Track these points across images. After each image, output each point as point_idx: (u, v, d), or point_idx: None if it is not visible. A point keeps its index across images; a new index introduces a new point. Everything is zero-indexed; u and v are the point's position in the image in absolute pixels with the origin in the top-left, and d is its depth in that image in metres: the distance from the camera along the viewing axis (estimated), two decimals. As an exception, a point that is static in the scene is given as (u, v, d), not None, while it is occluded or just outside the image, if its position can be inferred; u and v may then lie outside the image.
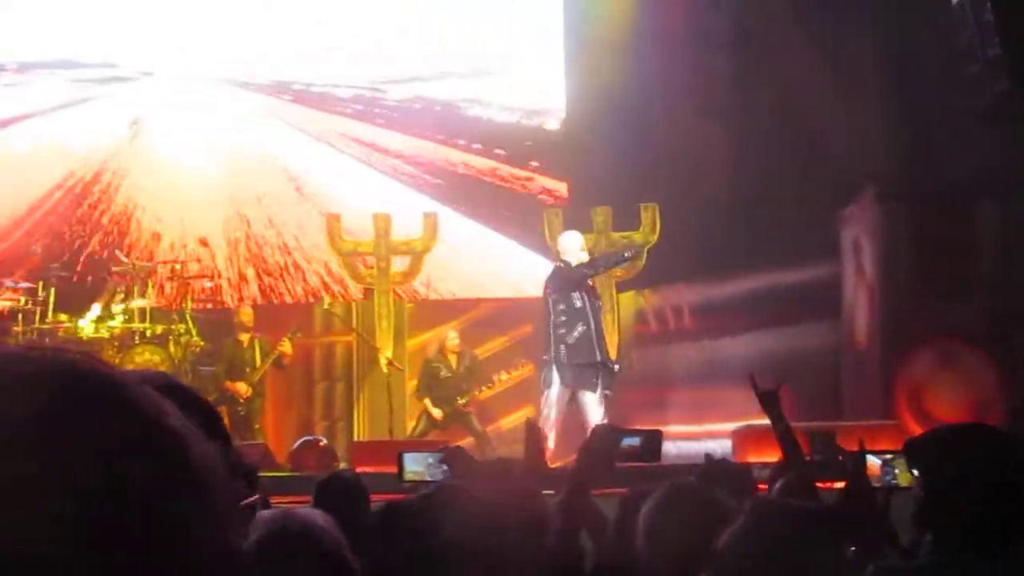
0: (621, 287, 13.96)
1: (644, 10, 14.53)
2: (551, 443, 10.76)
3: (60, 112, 15.87)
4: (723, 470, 5.43)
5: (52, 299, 13.46)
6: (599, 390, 11.17)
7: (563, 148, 15.33)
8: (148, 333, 13.35)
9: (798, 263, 13.08)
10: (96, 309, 13.36)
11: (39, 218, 15.48)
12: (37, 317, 13.34)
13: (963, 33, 11.00)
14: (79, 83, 15.93)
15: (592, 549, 4.17)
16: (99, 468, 0.87)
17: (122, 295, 13.46)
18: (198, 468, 0.92)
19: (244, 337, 13.13)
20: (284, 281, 15.40)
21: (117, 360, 12.26)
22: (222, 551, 0.93)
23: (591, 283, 11.77)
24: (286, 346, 13.04)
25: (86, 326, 13.21)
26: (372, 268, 14.05)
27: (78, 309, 13.58)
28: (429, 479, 5.50)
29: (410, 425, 13.30)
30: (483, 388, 13.18)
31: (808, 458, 5.64)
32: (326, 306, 14.56)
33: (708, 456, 6.03)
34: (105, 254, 15.20)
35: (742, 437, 10.62)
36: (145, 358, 12.88)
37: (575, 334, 11.19)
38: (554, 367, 11.24)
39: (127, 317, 13.33)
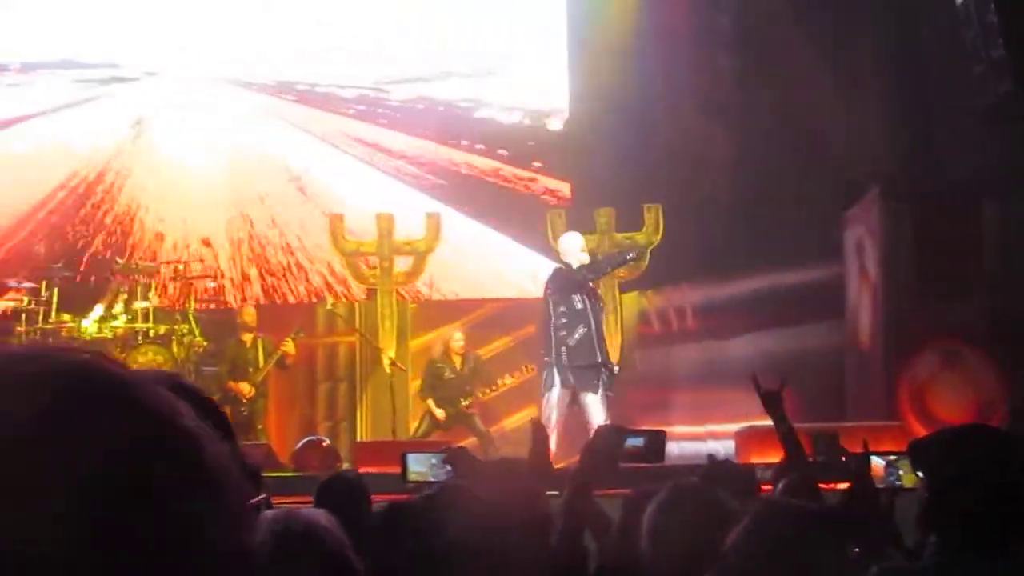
0: (624, 288, 13.96)
1: (646, 10, 14.53)
2: (552, 445, 10.74)
3: (63, 112, 15.87)
4: (726, 471, 5.43)
5: (55, 299, 13.46)
6: (600, 391, 11.15)
7: (566, 148, 15.33)
8: (151, 333, 13.36)
9: (801, 264, 13.07)
10: (99, 309, 13.36)
11: (42, 218, 15.48)
12: (40, 317, 13.34)
13: (967, 33, 11.00)
14: (82, 83, 15.94)
15: (596, 550, 4.17)
16: (110, 467, 0.87)
17: (125, 296, 13.47)
18: (212, 468, 0.92)
19: (247, 337, 13.13)
20: (287, 281, 15.40)
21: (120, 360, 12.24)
22: (236, 551, 0.93)
23: (592, 284, 11.75)
24: (289, 346, 13.04)
25: (89, 326, 13.21)
26: (375, 268, 14.05)
27: (81, 309, 13.59)
28: (432, 479, 5.50)
29: (413, 426, 13.29)
30: (487, 390, 13.17)
31: (811, 459, 5.63)
32: (329, 306, 14.56)
33: (711, 457, 6.03)
34: (108, 254, 15.20)
35: (745, 438, 10.61)
36: (148, 358, 12.88)
37: (576, 336, 11.17)
38: (555, 369, 11.22)
39: (130, 317, 13.33)
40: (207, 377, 13.08)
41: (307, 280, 15.38)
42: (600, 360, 11.25)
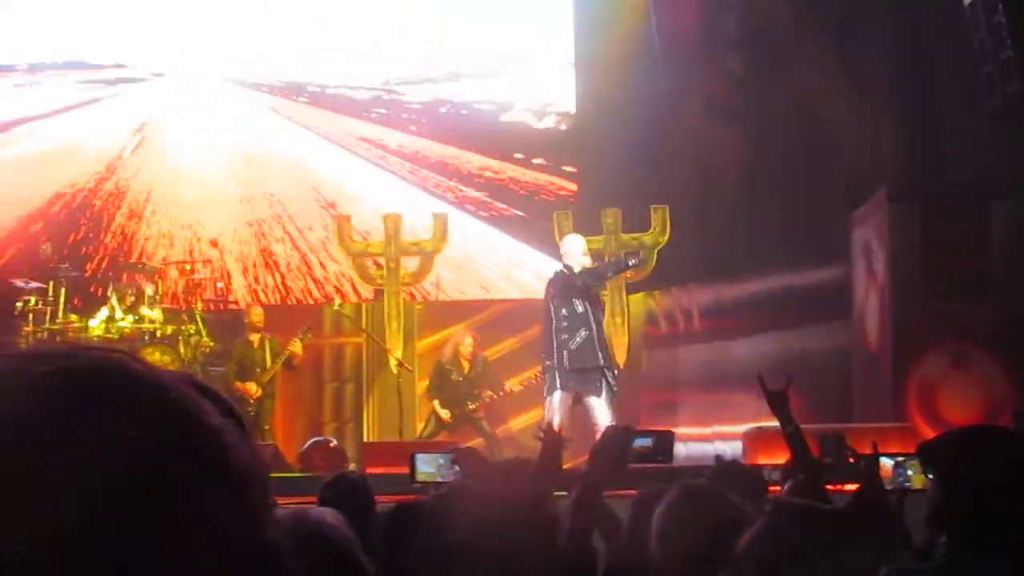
0: (631, 289, 13.96)
1: (653, 11, 14.52)
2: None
3: (70, 113, 15.89)
4: (734, 472, 5.42)
5: (62, 299, 13.47)
6: (604, 394, 11.13)
7: (573, 149, 15.33)
8: (158, 334, 13.36)
9: (808, 265, 13.06)
10: (106, 310, 13.37)
11: (49, 218, 15.49)
12: (47, 317, 13.35)
13: (975, 34, 10.99)
14: (88, 84, 15.96)
15: (605, 550, 4.16)
16: (135, 464, 0.87)
17: (132, 296, 13.47)
18: (237, 467, 0.92)
19: (254, 337, 13.12)
20: (294, 282, 15.41)
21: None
22: (263, 551, 0.92)
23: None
24: (296, 347, 13.03)
25: (96, 326, 13.22)
26: (382, 269, 14.05)
27: (88, 309, 13.60)
28: (441, 480, 5.50)
29: (419, 427, 13.30)
30: (493, 394, 13.17)
31: (818, 460, 5.62)
32: (336, 307, 14.56)
33: (718, 458, 6.02)
34: (115, 254, 15.23)
35: (752, 439, 10.60)
36: (155, 359, 12.87)
37: (577, 339, 11.15)
38: (556, 373, 11.20)
39: (137, 318, 13.34)
40: (214, 377, 13.07)
41: (314, 281, 15.39)
42: (602, 363, 11.22)
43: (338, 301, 14.85)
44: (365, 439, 13.83)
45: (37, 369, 0.90)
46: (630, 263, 12.49)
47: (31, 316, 13.37)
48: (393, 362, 13.49)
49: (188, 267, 14.40)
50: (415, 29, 15.75)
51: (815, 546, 2.77)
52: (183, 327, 13.50)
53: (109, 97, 15.95)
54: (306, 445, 12.34)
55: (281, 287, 15.40)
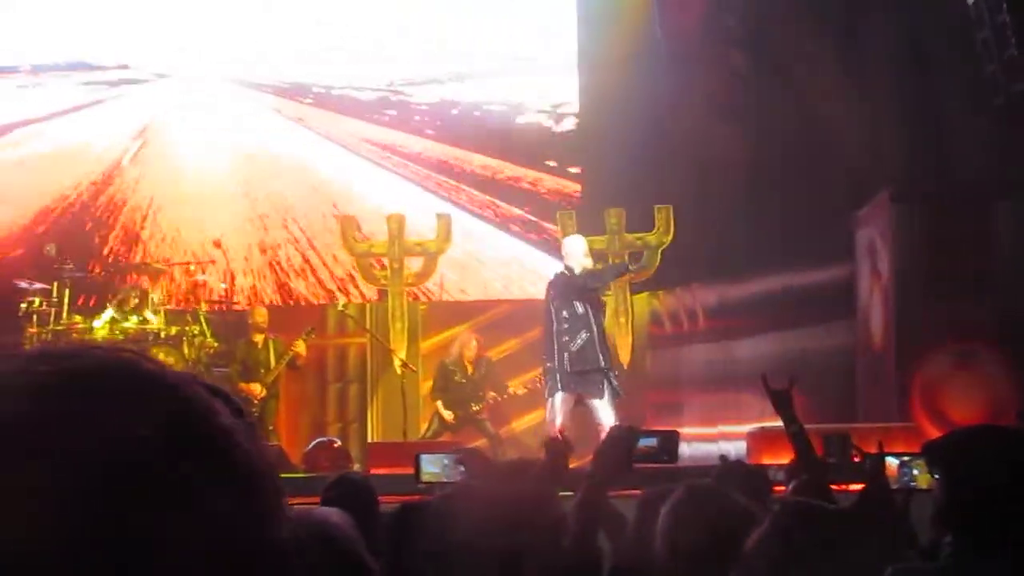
0: (635, 289, 13.95)
1: (656, 10, 14.51)
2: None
3: (73, 114, 15.90)
4: (739, 472, 5.42)
5: (67, 300, 13.48)
6: (606, 396, 11.12)
7: (577, 149, 15.33)
8: (162, 334, 13.37)
9: (812, 264, 13.06)
10: (110, 310, 13.37)
11: (53, 219, 15.51)
12: (52, 318, 13.36)
13: (978, 33, 10.98)
14: (92, 85, 15.97)
15: (611, 550, 4.16)
16: (144, 462, 0.87)
17: (136, 297, 13.47)
18: (248, 467, 0.92)
19: (258, 338, 13.12)
20: (298, 282, 15.42)
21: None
22: (272, 552, 0.92)
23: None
24: (300, 347, 13.03)
25: (100, 327, 13.22)
26: (386, 269, 14.05)
27: (92, 310, 13.61)
28: (446, 480, 5.50)
29: (423, 427, 13.30)
30: (497, 395, 13.17)
31: (822, 460, 5.62)
32: (340, 307, 14.56)
33: (723, 458, 6.02)
34: (120, 255, 15.25)
35: (757, 439, 10.59)
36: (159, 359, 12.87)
37: (578, 341, 11.13)
38: (557, 375, 11.19)
39: (141, 318, 13.35)
40: (218, 378, 13.06)
41: (318, 281, 15.39)
42: (603, 365, 11.20)
43: (342, 302, 14.85)
44: (369, 440, 13.83)
45: (43, 369, 0.91)
46: (630, 267, 12.47)
47: (35, 317, 13.38)
48: (397, 362, 13.49)
49: (192, 268, 14.40)
50: (417, 29, 15.75)
51: (821, 546, 2.77)
52: (187, 328, 13.50)
53: (113, 98, 15.96)
54: (310, 446, 12.34)
55: (285, 288, 15.41)
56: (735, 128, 13.45)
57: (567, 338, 11.14)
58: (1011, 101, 10.73)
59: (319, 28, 15.81)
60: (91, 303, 14.05)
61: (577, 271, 11.26)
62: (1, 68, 16.04)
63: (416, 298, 14.61)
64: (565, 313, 11.19)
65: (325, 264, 15.34)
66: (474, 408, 12.94)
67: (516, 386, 13.26)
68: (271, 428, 13.07)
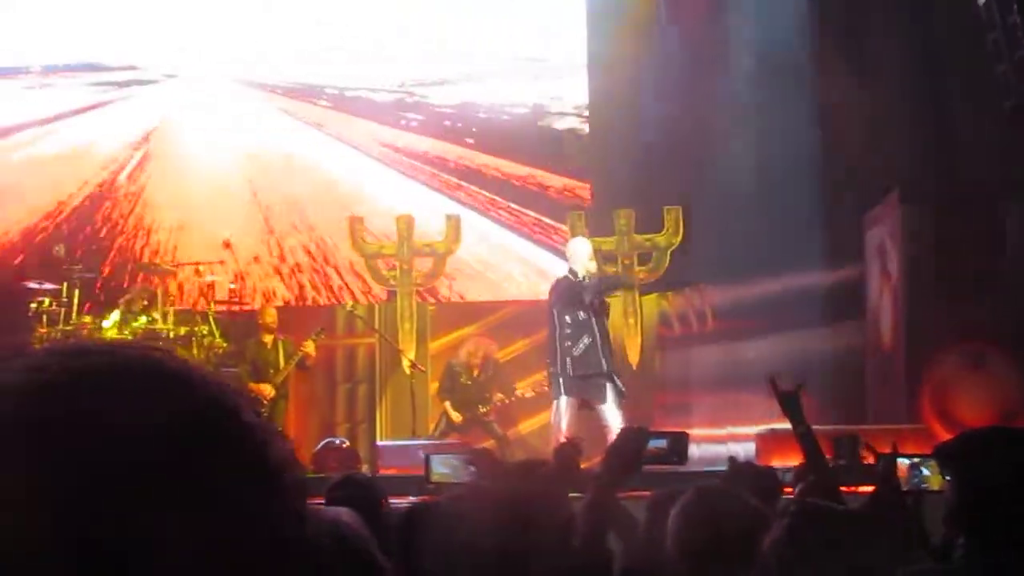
0: (644, 290, 13.93)
1: (666, 11, 14.50)
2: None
3: (82, 115, 15.92)
4: (748, 473, 5.41)
5: (76, 300, 13.49)
6: (610, 399, 11.11)
7: (586, 149, 15.31)
8: (171, 335, 13.37)
9: (822, 265, 13.04)
10: (119, 311, 13.37)
11: (62, 220, 15.53)
12: (61, 318, 13.37)
13: (989, 34, 10.96)
14: (101, 86, 15.98)
15: (621, 551, 4.15)
16: (171, 458, 0.87)
17: (145, 298, 13.48)
18: (274, 464, 0.92)
19: (268, 338, 13.13)
20: (307, 283, 15.42)
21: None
22: (298, 549, 0.92)
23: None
24: (310, 347, 13.03)
25: (109, 327, 13.23)
26: (395, 270, 14.06)
27: (102, 311, 13.62)
28: (456, 481, 5.49)
29: (431, 427, 13.30)
30: (504, 397, 13.17)
31: (831, 461, 5.60)
32: (348, 308, 14.57)
33: (732, 459, 6.01)
34: (129, 256, 15.26)
35: (766, 440, 10.59)
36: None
37: (581, 346, 11.13)
38: (560, 379, 11.19)
39: (150, 319, 13.35)
40: (227, 378, 13.06)
41: (327, 282, 15.40)
42: (605, 369, 11.19)
43: (351, 302, 14.85)
44: (378, 440, 13.82)
45: (54, 367, 0.90)
46: (625, 282, 12.46)
47: (45, 317, 13.39)
48: (406, 363, 13.49)
49: (201, 268, 14.40)
50: (426, 31, 15.74)
51: (833, 547, 2.77)
52: (196, 328, 13.50)
53: (121, 99, 15.98)
54: (319, 446, 12.35)
55: (294, 288, 15.41)
56: (744, 129, 13.43)
57: (569, 343, 11.14)
58: (1021, 102, 10.71)
59: (329, 28, 15.81)
60: (100, 304, 14.06)
61: (581, 274, 11.25)
62: (10, 69, 16.05)
63: (424, 299, 14.61)
64: (567, 318, 11.19)
65: (334, 265, 15.34)
66: (481, 410, 12.94)
67: (524, 389, 13.26)
68: (280, 428, 13.06)
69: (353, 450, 12.58)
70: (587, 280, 11.25)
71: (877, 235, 12.38)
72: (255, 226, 15.46)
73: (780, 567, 2.79)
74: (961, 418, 10.61)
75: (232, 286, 14.54)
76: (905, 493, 4.64)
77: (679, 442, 4.22)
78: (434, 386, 13.63)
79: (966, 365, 11.14)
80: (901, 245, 11.71)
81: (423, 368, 13.60)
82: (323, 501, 5.36)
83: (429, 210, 14.73)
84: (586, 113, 15.45)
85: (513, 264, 15.26)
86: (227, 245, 14.77)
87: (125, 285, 14.51)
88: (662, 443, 4.18)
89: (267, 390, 12.86)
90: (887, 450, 4.72)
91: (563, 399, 11.17)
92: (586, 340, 11.15)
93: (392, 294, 14.22)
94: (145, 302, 13.42)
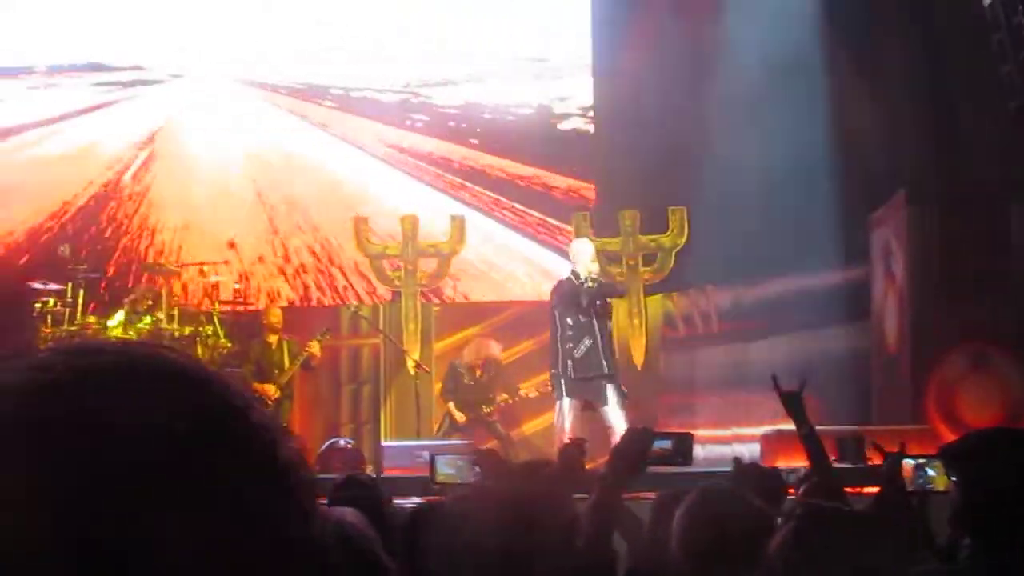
0: (649, 291, 13.93)
1: (672, 12, 14.48)
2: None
3: (87, 115, 15.93)
4: (753, 474, 5.41)
5: (81, 301, 13.50)
6: (612, 400, 11.11)
7: (591, 150, 15.31)
8: (176, 335, 13.38)
9: (827, 266, 13.02)
10: (122, 313, 13.38)
11: (67, 220, 15.54)
12: (66, 318, 13.38)
13: (994, 35, 10.95)
14: (106, 86, 16.00)
15: (626, 552, 4.15)
16: (182, 456, 0.87)
17: (150, 298, 13.49)
18: (285, 463, 0.92)
19: (272, 339, 13.13)
20: (311, 283, 15.42)
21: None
22: (310, 547, 0.92)
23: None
24: (315, 348, 13.04)
25: (114, 327, 13.24)
26: (399, 270, 14.06)
27: (106, 310, 13.63)
28: (461, 481, 5.49)
29: (435, 428, 13.31)
30: (508, 397, 13.16)
31: (831, 463, 5.59)
32: (353, 308, 14.57)
33: (737, 460, 6.01)
34: (133, 256, 15.27)
35: (771, 441, 10.57)
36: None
37: (582, 348, 11.13)
38: (562, 382, 11.19)
39: (155, 319, 13.36)
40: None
41: (331, 282, 15.40)
42: (606, 371, 11.19)
43: (355, 303, 14.85)
44: (382, 440, 13.82)
45: (59, 367, 0.90)
46: (619, 291, 12.47)
47: (50, 317, 13.40)
48: (411, 363, 13.50)
49: (205, 269, 14.41)
50: (432, 31, 15.74)
51: (838, 548, 2.76)
52: (201, 328, 13.51)
53: (126, 99, 15.99)
54: (323, 447, 12.34)
55: (299, 288, 15.41)
56: (750, 129, 13.42)
57: (571, 345, 11.15)
58: (1027, 102, 10.70)
59: (334, 29, 15.81)
60: (105, 304, 14.06)
61: (583, 275, 11.24)
62: (15, 69, 16.07)
63: (429, 299, 14.61)
64: (569, 320, 11.20)
65: (339, 265, 15.34)
66: (485, 410, 12.95)
67: (528, 389, 13.26)
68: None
69: (358, 451, 12.58)
70: (588, 282, 11.24)
71: (882, 236, 12.37)
72: (260, 226, 15.46)
73: (786, 569, 2.78)
74: (966, 419, 10.60)
75: (237, 286, 14.55)
76: (910, 494, 4.64)
77: (684, 443, 4.21)
78: (438, 387, 13.63)
79: (971, 366, 11.13)
80: (907, 246, 11.69)
81: (428, 369, 13.60)
82: (326, 501, 5.36)
83: (434, 210, 14.73)
84: (591, 113, 15.45)
85: (517, 265, 15.25)
86: (232, 245, 14.78)
87: (130, 285, 14.51)
88: (667, 444, 4.17)
89: (271, 390, 12.86)
90: (894, 450, 4.72)
91: (566, 401, 11.17)
92: (587, 342, 11.15)
93: (397, 295, 14.23)
94: (150, 302, 13.43)
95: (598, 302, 11.26)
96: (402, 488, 7.84)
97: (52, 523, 0.84)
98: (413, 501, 6.24)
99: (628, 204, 13.79)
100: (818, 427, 5.45)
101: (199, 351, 13.28)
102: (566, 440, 9.95)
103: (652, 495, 4.35)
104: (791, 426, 5.36)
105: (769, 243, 13.15)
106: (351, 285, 15.30)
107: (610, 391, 11.13)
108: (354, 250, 14.47)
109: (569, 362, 11.15)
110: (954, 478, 3.20)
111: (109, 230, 15.52)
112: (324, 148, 15.77)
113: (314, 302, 15.38)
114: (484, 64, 15.74)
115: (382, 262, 14.14)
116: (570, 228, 14.05)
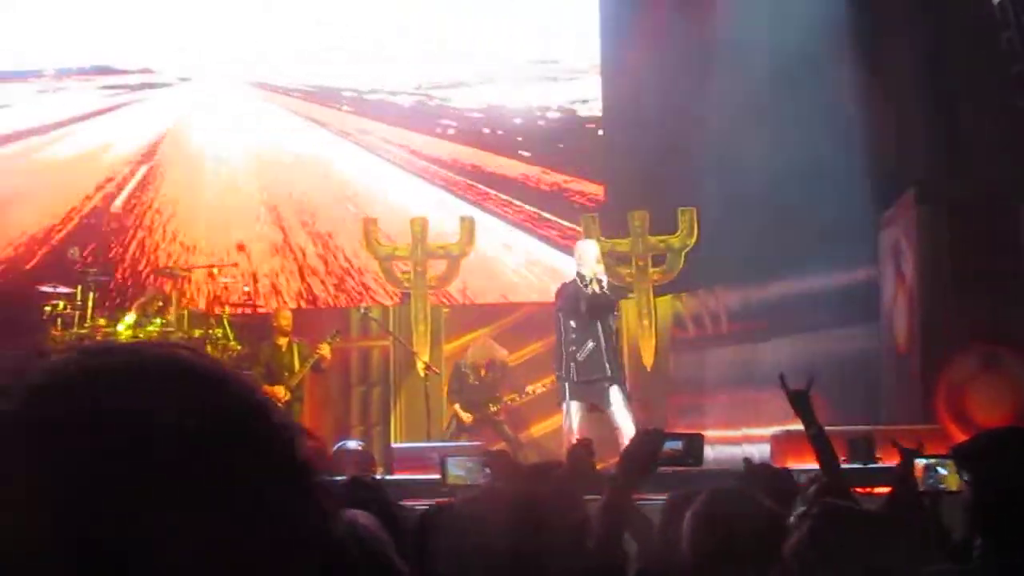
0: (658, 291, 13.92)
1: (681, 12, 14.47)
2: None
3: (96, 118, 15.95)
4: (764, 474, 5.40)
5: (91, 303, 13.52)
6: (616, 402, 11.10)
7: (600, 151, 15.30)
8: (185, 338, 13.38)
9: (836, 266, 13.00)
10: (133, 313, 13.40)
11: (76, 223, 15.56)
12: (76, 321, 13.40)
13: (1003, 34, 10.93)
14: (114, 89, 16.02)
15: (636, 553, 4.15)
16: (199, 455, 0.87)
17: (159, 300, 13.50)
18: (304, 462, 0.92)
19: (282, 341, 13.14)
20: (321, 285, 15.43)
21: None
22: (332, 546, 0.92)
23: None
24: (325, 350, 13.04)
25: (123, 330, 13.25)
26: (409, 272, 14.06)
27: (116, 313, 13.64)
28: (471, 483, 5.49)
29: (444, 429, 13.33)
30: (515, 397, 13.17)
31: (839, 463, 5.58)
32: (363, 310, 14.57)
33: (747, 461, 6.00)
34: (143, 258, 15.29)
35: (780, 442, 10.55)
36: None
37: (585, 351, 11.13)
38: (565, 384, 11.19)
39: (165, 321, 13.37)
40: (244, 380, 13.05)
41: (341, 284, 15.41)
42: (608, 374, 11.17)
43: (365, 305, 14.85)
44: (392, 442, 13.83)
45: (71, 367, 0.90)
46: (614, 298, 12.45)
47: (59, 320, 13.42)
48: (420, 365, 13.50)
49: (215, 271, 14.42)
50: (442, 34, 15.75)
51: (853, 548, 2.76)
52: (210, 331, 13.52)
53: (136, 102, 16.01)
54: (333, 449, 12.34)
55: (308, 291, 15.42)
56: (759, 129, 13.41)
57: (574, 347, 11.15)
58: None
59: (345, 31, 15.82)
60: (115, 306, 14.08)
61: (588, 276, 11.23)
62: (24, 73, 16.09)
63: (439, 301, 14.61)
64: (572, 323, 11.20)
65: (348, 267, 15.35)
66: (492, 409, 12.95)
67: (536, 386, 13.27)
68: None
69: (369, 453, 12.58)
70: (593, 284, 11.22)
71: (892, 236, 12.35)
72: (269, 228, 15.47)
73: (802, 568, 2.78)
74: (977, 419, 10.58)
75: (246, 289, 14.57)
76: (922, 494, 4.63)
77: (694, 444, 4.20)
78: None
79: (982, 366, 11.10)
80: (916, 246, 11.67)
81: (437, 370, 13.60)
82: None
83: (443, 212, 14.74)
84: (600, 115, 15.44)
85: (527, 266, 15.25)
86: (241, 248, 14.79)
87: (140, 287, 14.53)
88: (677, 445, 4.17)
89: (281, 393, 12.87)
90: (914, 446, 4.71)
91: (573, 403, 11.17)
92: (590, 345, 11.15)
93: (406, 296, 14.23)
94: (159, 305, 13.44)
95: (596, 310, 11.26)
96: (413, 490, 7.83)
97: (52, 523, 0.84)
98: (424, 503, 6.24)
99: (637, 205, 13.78)
100: (828, 427, 5.44)
101: (209, 353, 13.29)
102: (574, 441, 9.98)
103: (663, 496, 4.35)
104: (801, 427, 5.35)
105: (778, 244, 13.13)
106: (361, 287, 15.30)
107: (613, 393, 11.13)
108: (364, 252, 14.48)
109: (572, 365, 11.15)
110: (966, 478, 3.20)
111: (118, 233, 15.54)
112: (333, 150, 15.78)
113: (324, 304, 15.39)
114: (493, 66, 15.74)
115: (392, 264, 14.15)
116: (579, 229, 14.04)
